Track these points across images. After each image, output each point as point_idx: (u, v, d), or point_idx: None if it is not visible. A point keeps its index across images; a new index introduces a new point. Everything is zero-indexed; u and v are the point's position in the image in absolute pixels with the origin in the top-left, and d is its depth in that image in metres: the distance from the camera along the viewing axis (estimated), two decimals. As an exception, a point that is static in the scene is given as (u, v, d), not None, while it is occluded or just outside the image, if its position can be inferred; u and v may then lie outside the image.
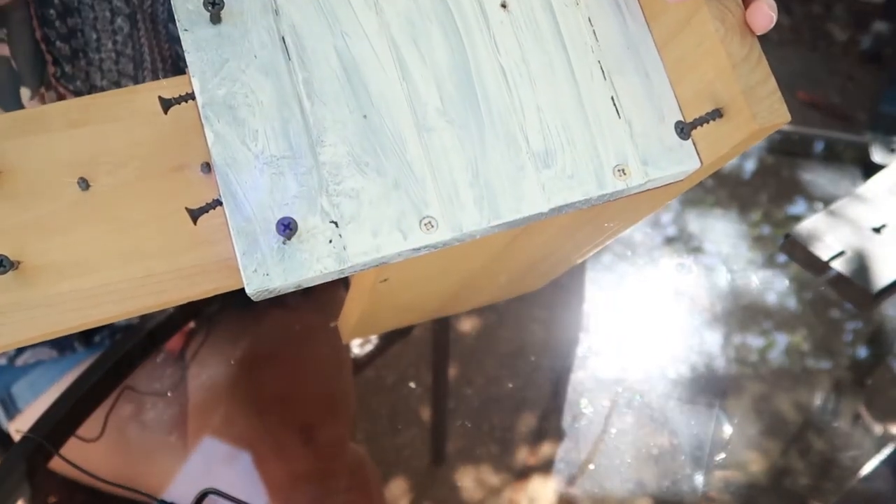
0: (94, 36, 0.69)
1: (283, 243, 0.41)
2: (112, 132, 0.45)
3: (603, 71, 0.46)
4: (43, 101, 0.71)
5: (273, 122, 0.42)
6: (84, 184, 0.44)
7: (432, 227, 0.42)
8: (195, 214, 0.41)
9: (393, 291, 0.59)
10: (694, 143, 0.45)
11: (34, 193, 0.44)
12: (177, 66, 0.72)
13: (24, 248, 0.43)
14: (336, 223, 0.41)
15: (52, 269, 0.43)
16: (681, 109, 0.46)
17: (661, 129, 0.45)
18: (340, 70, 0.43)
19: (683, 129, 0.45)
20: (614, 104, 0.45)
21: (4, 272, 0.42)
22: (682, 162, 0.45)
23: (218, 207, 0.42)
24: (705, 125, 0.44)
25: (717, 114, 0.43)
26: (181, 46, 0.71)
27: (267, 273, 0.40)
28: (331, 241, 0.41)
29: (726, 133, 0.43)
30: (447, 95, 0.44)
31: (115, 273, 0.43)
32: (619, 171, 0.45)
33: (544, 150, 0.44)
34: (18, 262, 0.43)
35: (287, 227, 0.40)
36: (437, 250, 0.43)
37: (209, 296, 0.45)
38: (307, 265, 0.41)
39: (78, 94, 0.71)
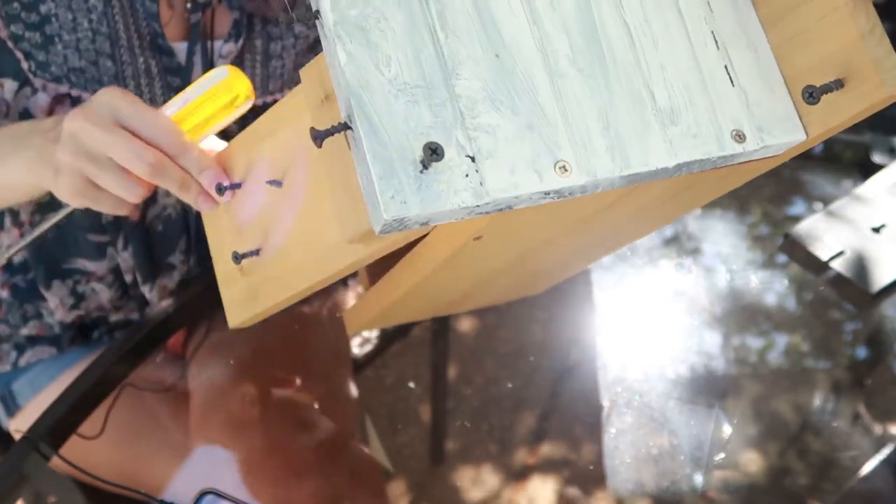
0: (70, 16, 0.70)
1: (421, 172, 0.39)
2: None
3: (716, 41, 0.48)
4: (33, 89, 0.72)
5: (406, 50, 0.42)
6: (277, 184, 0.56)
7: (566, 170, 0.42)
8: (321, 136, 0.41)
9: (480, 255, 0.58)
10: (800, 117, 0.47)
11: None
12: (155, 42, 0.73)
13: (264, 239, 0.59)
14: (473, 158, 0.41)
15: (274, 252, 0.58)
16: (786, 84, 0.47)
17: (772, 99, 0.47)
18: (473, 9, 0.44)
19: (813, 94, 0.45)
20: (728, 73, 0.47)
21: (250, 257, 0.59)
22: (792, 132, 0.47)
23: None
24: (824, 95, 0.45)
25: (838, 84, 0.44)
26: (158, 23, 0.71)
27: (404, 201, 0.39)
28: (467, 176, 0.40)
29: (845, 103, 0.45)
30: (576, 44, 0.45)
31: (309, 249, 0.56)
32: (736, 135, 0.46)
33: (669, 108, 0.45)
34: (259, 249, 0.58)
35: (434, 152, 0.39)
36: (561, 199, 0.43)
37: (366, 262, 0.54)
38: (444, 197, 0.40)
39: (56, 80, 0.72)
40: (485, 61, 0.43)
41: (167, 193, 0.78)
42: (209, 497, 0.70)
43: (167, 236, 0.83)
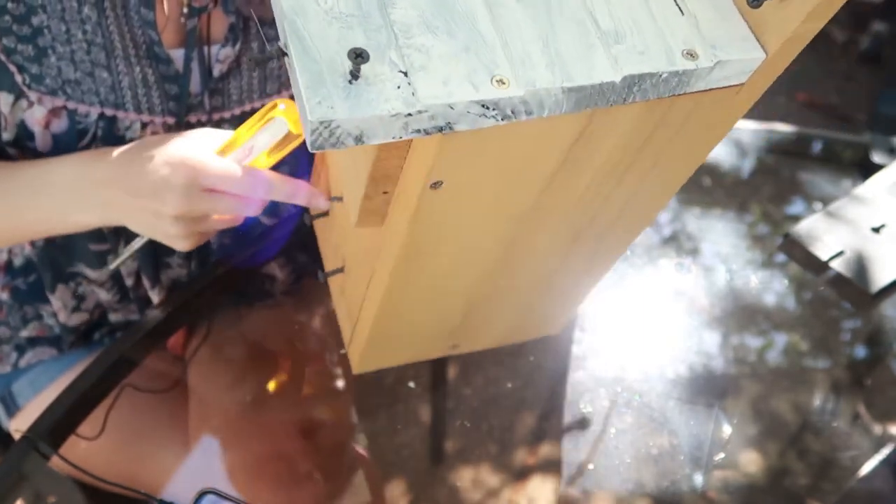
0: (64, 28, 0.69)
1: (350, 83, 0.40)
2: None
3: None
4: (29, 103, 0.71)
5: None
6: None
7: (504, 83, 0.42)
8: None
9: (446, 221, 0.58)
10: (757, 38, 0.47)
11: None
12: (151, 51, 0.72)
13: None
14: (405, 73, 0.41)
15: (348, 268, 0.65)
16: (740, 11, 0.47)
17: (725, 24, 0.47)
18: None
19: None
20: (677, 4, 0.47)
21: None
22: (748, 50, 0.47)
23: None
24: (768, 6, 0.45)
25: None
26: (155, 31, 0.71)
27: (332, 106, 0.40)
28: (399, 87, 0.41)
29: (794, 9, 0.44)
30: None
31: None
32: (688, 53, 0.46)
33: (614, 31, 0.45)
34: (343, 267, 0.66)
35: (359, 56, 0.40)
36: (506, 121, 0.43)
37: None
38: (374, 105, 0.40)
39: (51, 92, 0.71)
40: None
41: None
42: (209, 497, 0.70)
43: None
